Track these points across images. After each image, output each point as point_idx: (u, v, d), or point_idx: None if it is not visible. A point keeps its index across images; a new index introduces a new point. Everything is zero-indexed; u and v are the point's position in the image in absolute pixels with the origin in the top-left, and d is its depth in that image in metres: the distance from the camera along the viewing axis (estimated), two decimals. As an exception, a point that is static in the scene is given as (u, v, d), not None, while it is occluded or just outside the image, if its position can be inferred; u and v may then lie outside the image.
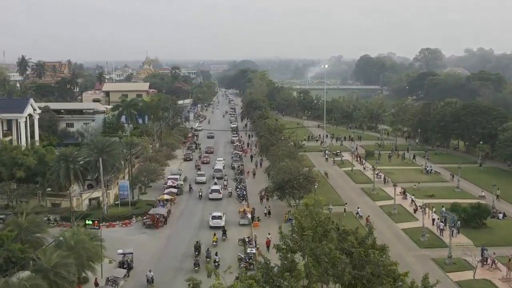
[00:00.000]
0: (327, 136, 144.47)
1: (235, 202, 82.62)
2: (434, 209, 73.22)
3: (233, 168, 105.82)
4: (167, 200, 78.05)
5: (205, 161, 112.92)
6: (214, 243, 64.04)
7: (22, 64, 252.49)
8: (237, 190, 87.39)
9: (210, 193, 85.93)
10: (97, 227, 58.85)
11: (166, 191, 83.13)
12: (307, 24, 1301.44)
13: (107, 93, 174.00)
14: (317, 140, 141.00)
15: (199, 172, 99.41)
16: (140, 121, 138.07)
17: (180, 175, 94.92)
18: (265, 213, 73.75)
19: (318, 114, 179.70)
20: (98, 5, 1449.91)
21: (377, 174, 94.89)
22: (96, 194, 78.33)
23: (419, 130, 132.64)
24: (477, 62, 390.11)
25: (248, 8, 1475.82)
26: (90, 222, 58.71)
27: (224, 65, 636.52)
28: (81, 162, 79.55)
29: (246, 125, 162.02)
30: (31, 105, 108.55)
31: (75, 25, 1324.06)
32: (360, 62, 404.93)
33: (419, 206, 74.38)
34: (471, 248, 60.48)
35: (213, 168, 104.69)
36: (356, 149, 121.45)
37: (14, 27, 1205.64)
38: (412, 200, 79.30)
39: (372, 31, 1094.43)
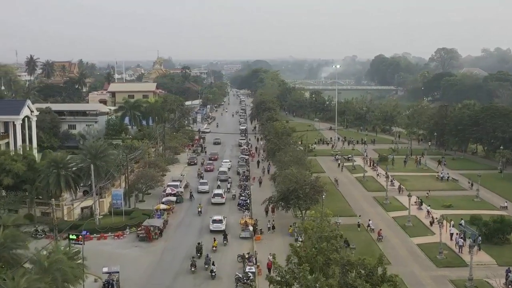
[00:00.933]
0: (338, 139, 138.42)
1: (237, 211, 77.08)
2: (452, 222, 67.21)
3: (238, 173, 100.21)
4: (164, 210, 72.79)
5: (208, 169, 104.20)
6: (214, 249, 61.77)
7: (30, 63, 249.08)
8: (241, 198, 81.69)
9: (212, 197, 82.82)
10: (80, 242, 53.63)
11: (164, 199, 77.88)
12: (322, 23, 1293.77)
13: (113, 94, 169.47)
14: (328, 144, 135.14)
15: (201, 181, 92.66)
16: (145, 123, 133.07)
17: (181, 181, 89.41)
18: (269, 228, 67.60)
19: (330, 115, 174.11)
20: (112, 6, 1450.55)
21: (390, 181, 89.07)
22: (89, 202, 73.29)
23: (435, 134, 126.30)
24: (494, 62, 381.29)
25: (263, 8, 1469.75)
26: (74, 237, 53.53)
27: (238, 65, 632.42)
28: (74, 169, 74.74)
29: (255, 127, 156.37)
30: (28, 106, 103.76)
31: (90, 26, 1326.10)
32: (374, 62, 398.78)
33: (436, 218, 68.59)
34: (494, 268, 54.77)
35: (217, 170, 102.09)
36: (366, 154, 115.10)
37: (29, 27, 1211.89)
38: (428, 212, 73.33)
39: (387, 31, 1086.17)
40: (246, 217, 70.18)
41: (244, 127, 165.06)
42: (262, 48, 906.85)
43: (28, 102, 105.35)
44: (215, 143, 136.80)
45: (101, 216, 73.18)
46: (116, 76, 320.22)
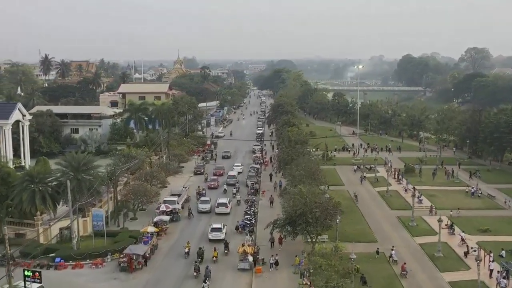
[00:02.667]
0: (361, 145, 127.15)
1: (236, 235, 66.84)
2: (491, 254, 56.17)
3: (246, 185, 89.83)
4: (154, 232, 62.93)
5: (212, 186, 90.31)
6: (214, 259, 57.66)
7: (45, 63, 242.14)
8: (245, 217, 71.24)
9: (216, 206, 76.45)
10: (38, 280, 44.27)
11: (156, 218, 68.03)
12: (349, 23, 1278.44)
13: (124, 95, 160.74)
14: (349, 151, 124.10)
15: (202, 198, 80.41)
16: (152, 127, 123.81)
17: (180, 195, 79.49)
18: (271, 264, 56.00)
19: (353, 119, 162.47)
20: (138, 2, 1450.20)
21: (417, 198, 78.18)
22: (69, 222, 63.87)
23: (467, 141, 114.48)
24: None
25: (289, 7, 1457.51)
26: (29, 274, 44.17)
27: (262, 65, 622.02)
28: (54, 183, 65.58)
29: (272, 132, 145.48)
30: (19, 110, 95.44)
31: (114, 22, 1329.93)
32: (402, 62, 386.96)
33: (472, 248, 57.80)
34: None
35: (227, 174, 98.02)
36: (390, 163, 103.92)
37: (50, 25, 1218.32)
38: (462, 239, 62.33)
39: (415, 30, 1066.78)
40: (247, 242, 59.94)
41: (260, 131, 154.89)
42: (288, 48, 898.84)
43: (19, 105, 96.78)
44: (224, 157, 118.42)
45: (82, 239, 63.82)
46: (137, 76, 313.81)
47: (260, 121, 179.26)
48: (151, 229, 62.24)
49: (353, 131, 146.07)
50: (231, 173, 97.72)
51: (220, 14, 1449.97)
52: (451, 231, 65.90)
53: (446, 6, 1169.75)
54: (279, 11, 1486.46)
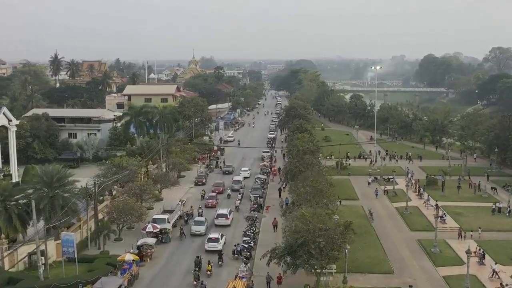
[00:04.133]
0: (379, 153, 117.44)
1: (233, 262, 58.08)
2: (531, 295, 46.88)
3: (250, 199, 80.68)
4: (131, 261, 54.10)
5: (209, 204, 78.78)
6: (208, 273, 53.71)
7: (54, 63, 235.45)
8: (243, 241, 62.16)
9: (215, 218, 70.89)
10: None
11: (140, 241, 59.46)
12: (370, 22, 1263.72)
13: (129, 97, 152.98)
14: (366, 158, 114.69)
15: (197, 219, 69.68)
16: (153, 131, 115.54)
17: (172, 212, 70.97)
18: None
19: (371, 122, 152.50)
20: (155, 2, 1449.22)
21: (441, 218, 68.78)
22: (41, 246, 55.64)
23: (495, 149, 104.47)
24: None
25: (310, 7, 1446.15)
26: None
27: (281, 65, 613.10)
28: (23, 201, 57.65)
29: (285, 138, 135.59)
30: (4, 114, 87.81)
31: (132, 23, 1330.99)
32: (424, 62, 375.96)
33: (507, 286, 48.50)
34: None
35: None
36: (411, 174, 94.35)
37: (67, 25, 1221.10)
38: (495, 272, 52.89)
39: (436, 29, 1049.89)
40: (240, 274, 51.15)
41: (272, 135, 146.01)
42: (308, 47, 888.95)
43: (4, 109, 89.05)
44: (225, 172, 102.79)
45: (55, 265, 55.72)
46: (152, 76, 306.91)
47: (273, 124, 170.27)
48: (128, 257, 53.50)
49: (371, 136, 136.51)
50: (236, 177, 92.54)
51: (240, 13, 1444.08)
52: (481, 261, 56.40)
53: (459, 4, 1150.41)
54: (300, 10, 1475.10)
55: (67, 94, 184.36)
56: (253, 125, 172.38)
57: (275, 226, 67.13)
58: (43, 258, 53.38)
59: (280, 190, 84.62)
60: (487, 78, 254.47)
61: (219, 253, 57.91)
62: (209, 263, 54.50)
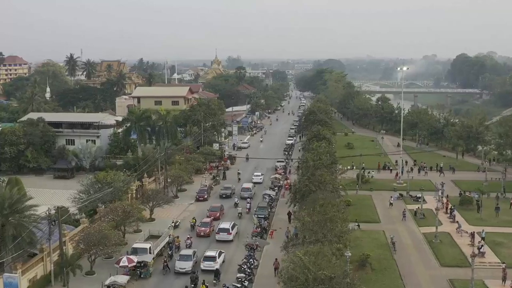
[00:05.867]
0: (406, 163, 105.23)
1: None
2: None
3: (253, 222, 69.31)
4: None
5: (202, 232, 65.95)
6: None
7: (70, 63, 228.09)
8: (236, 279, 51.20)
9: (216, 232, 65.00)
10: None
11: (108, 280, 49.08)
12: (400, 21, 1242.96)
13: (139, 99, 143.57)
14: (391, 170, 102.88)
15: (182, 252, 57.48)
16: (155, 138, 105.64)
17: (158, 238, 60.51)
18: None
19: (399, 127, 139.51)
20: (188, 3, 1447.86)
21: (479, 250, 57.16)
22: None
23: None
24: None
25: (340, 5, 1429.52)
26: None
27: (309, 65, 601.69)
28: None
29: (302, 146, 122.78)
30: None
31: (158, 24, 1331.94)
32: (456, 62, 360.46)
33: None
34: None
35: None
36: (442, 192, 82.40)
37: (96, 27, 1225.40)
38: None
39: (469, 28, 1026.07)
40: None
41: (291, 141, 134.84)
42: (338, 47, 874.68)
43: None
44: (222, 196, 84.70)
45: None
46: (175, 76, 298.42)
47: (293, 128, 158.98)
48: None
49: (398, 143, 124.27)
50: (245, 185, 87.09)
51: (267, 12, 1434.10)
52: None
53: (492, 2, 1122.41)
54: (328, 8, 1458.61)
55: (81, 95, 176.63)
56: (260, 140, 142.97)
57: (276, 269, 52.86)
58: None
59: (289, 214, 70.33)
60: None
61: (216, 270, 52.60)
62: (203, 283, 49.41)
